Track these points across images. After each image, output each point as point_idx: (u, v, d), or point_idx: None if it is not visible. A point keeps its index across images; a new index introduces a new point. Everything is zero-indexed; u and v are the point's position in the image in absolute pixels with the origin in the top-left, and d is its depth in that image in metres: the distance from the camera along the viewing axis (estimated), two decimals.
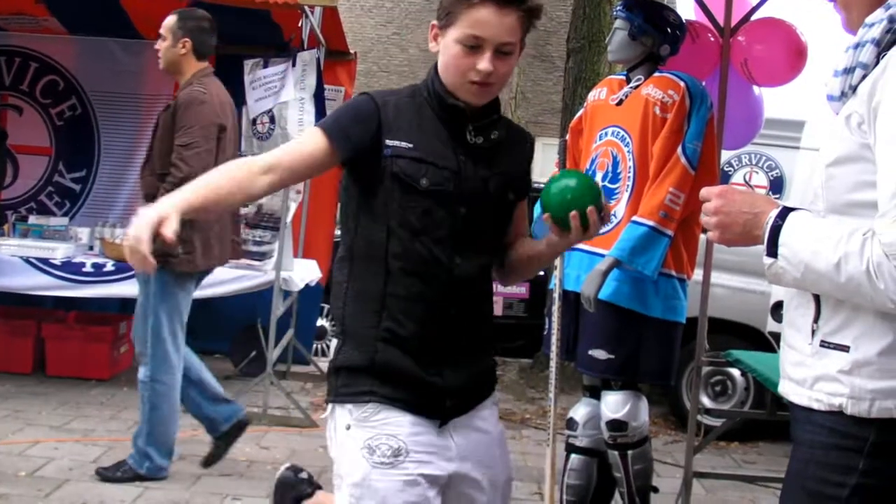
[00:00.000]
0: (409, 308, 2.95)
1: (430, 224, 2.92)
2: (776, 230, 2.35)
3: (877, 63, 2.34)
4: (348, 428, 2.97)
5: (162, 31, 6.20)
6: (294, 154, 2.94)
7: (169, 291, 5.98)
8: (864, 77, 2.35)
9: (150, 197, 5.66)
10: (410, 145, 2.93)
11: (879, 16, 2.38)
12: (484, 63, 2.87)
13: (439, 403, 2.99)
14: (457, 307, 2.99)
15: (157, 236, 2.64)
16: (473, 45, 2.87)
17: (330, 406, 3.05)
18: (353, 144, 2.92)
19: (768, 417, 5.77)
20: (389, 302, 2.96)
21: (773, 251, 2.36)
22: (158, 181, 5.79)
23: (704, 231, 5.08)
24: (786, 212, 2.37)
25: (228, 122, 6.15)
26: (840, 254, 2.22)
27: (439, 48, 2.99)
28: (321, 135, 2.93)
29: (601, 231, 4.84)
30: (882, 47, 2.34)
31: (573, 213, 2.88)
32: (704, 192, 2.54)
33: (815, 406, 2.39)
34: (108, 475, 6.02)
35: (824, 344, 2.38)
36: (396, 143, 2.93)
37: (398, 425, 2.93)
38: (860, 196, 2.32)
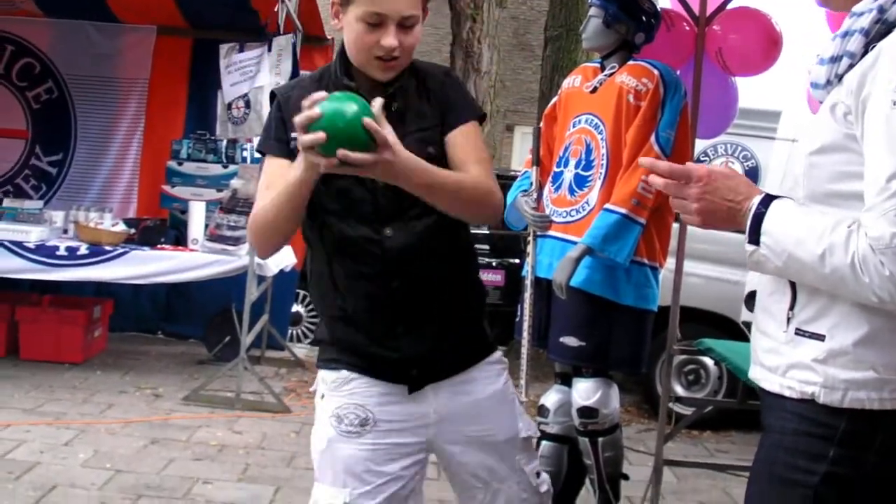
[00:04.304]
0: (352, 286, 2.97)
1: (351, 204, 2.90)
2: (759, 218, 2.33)
3: (864, 53, 2.31)
4: (322, 397, 3.03)
5: None
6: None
7: None
8: (850, 66, 2.32)
9: None
10: None
11: (868, 5, 2.34)
12: (388, 39, 2.84)
13: (403, 372, 3.01)
14: (399, 279, 2.96)
15: None
16: (375, 23, 2.83)
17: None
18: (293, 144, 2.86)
19: (738, 406, 5.79)
20: (338, 282, 2.99)
21: (755, 239, 2.34)
22: None
23: (677, 219, 5.13)
24: (769, 199, 2.34)
25: None
26: (825, 245, 2.20)
27: (342, 25, 2.93)
28: (275, 161, 2.95)
29: (575, 219, 4.91)
30: (871, 38, 2.31)
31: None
32: (682, 170, 2.45)
33: (787, 393, 2.37)
34: None
35: (799, 332, 2.36)
36: None
37: (367, 395, 2.97)
38: (842, 187, 2.30)
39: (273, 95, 3.08)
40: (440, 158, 2.99)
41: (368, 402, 2.96)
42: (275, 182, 2.86)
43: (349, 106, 2.55)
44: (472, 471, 3.14)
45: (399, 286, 2.96)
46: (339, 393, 2.98)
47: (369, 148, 2.54)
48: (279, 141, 2.95)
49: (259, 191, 2.97)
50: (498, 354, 3.26)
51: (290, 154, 2.88)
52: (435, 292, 3.05)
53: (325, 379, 3.04)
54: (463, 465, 3.14)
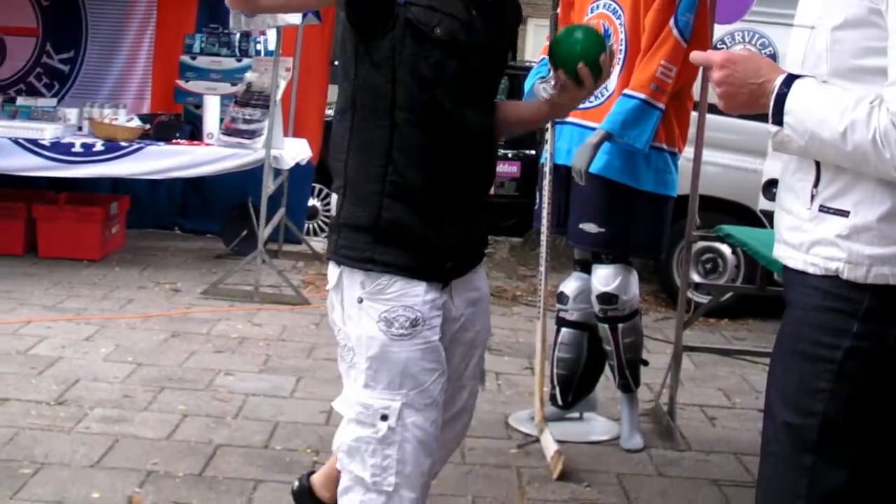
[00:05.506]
0: (417, 161, 2.89)
1: (442, 75, 2.86)
2: (781, 98, 2.31)
3: None
4: (360, 301, 2.95)
5: None
6: None
7: None
8: None
9: None
10: None
11: None
12: None
13: (441, 265, 2.99)
14: (462, 163, 2.96)
15: None
16: None
17: (335, 271, 3.01)
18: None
19: (757, 292, 5.78)
20: (396, 155, 2.89)
21: (778, 119, 2.32)
22: None
23: (695, 107, 5.08)
24: (791, 79, 2.33)
25: None
26: (846, 122, 2.19)
27: None
28: None
29: (594, 104, 4.87)
30: None
31: (581, 64, 2.94)
32: (702, 56, 2.47)
33: (811, 270, 2.38)
34: None
35: (823, 209, 2.36)
36: None
37: (414, 295, 2.92)
38: (866, 62, 2.28)
39: None
40: (505, 66, 3.28)
41: (415, 303, 2.91)
42: None
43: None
44: (455, 363, 3.16)
45: (459, 170, 2.96)
46: (382, 297, 2.92)
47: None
48: None
49: None
50: (484, 258, 3.32)
51: None
52: (478, 185, 3.10)
53: (363, 283, 2.94)
54: (449, 356, 3.12)
